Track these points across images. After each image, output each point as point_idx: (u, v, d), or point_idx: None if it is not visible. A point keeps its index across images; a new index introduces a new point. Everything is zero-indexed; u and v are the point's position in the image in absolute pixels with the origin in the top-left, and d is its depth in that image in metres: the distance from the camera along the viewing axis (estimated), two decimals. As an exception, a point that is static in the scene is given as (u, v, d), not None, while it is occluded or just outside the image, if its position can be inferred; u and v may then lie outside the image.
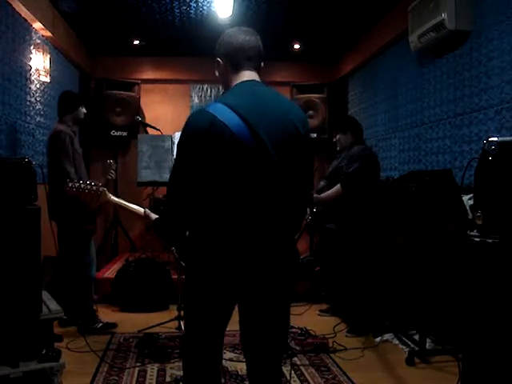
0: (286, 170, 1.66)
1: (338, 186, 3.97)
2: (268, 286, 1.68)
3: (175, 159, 1.71)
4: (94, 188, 1.99)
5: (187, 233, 1.77)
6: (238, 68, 1.76)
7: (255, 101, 1.68)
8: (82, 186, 1.98)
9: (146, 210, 1.95)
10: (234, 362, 3.23)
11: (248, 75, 1.76)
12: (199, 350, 1.76)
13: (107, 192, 2.02)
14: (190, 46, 5.84)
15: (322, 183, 4.25)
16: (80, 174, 3.77)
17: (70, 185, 1.98)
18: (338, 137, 4.23)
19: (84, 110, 3.91)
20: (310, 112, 6.09)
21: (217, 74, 1.84)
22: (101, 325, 3.83)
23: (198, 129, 1.61)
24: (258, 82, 1.76)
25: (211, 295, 1.69)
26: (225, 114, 1.61)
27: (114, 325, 3.91)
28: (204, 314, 1.73)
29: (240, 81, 1.75)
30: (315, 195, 4.09)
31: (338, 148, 4.25)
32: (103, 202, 2.02)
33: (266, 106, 1.68)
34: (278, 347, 1.80)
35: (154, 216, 1.89)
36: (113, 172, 3.96)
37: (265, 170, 1.63)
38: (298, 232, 1.80)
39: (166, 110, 6.51)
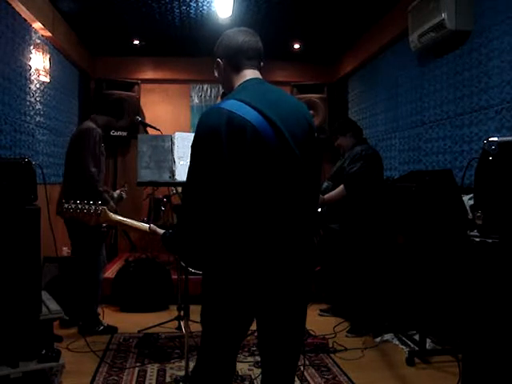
0: (307, 167, 1.62)
1: (342, 186, 3.95)
2: (292, 289, 1.63)
3: (191, 164, 1.59)
4: (93, 207, 1.89)
5: (205, 241, 1.65)
6: (238, 68, 1.74)
7: (267, 97, 1.63)
8: (80, 206, 1.88)
9: (152, 225, 1.84)
10: (234, 362, 3.23)
11: (251, 74, 1.74)
12: (219, 357, 1.69)
13: (107, 211, 1.91)
14: (190, 46, 5.84)
15: (325, 184, 4.24)
16: (101, 176, 3.75)
17: (67, 206, 1.88)
18: (338, 140, 4.21)
19: (116, 124, 3.97)
20: (310, 112, 6.08)
21: (216, 74, 1.83)
22: (102, 328, 3.80)
23: (214, 127, 1.52)
24: (262, 79, 1.75)
25: (236, 302, 1.60)
26: (242, 109, 1.53)
27: (115, 329, 3.86)
28: (227, 323, 1.65)
29: (244, 79, 1.72)
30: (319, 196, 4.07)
31: (341, 151, 4.23)
32: (104, 221, 1.92)
33: (279, 102, 1.64)
34: (296, 352, 1.76)
35: (160, 231, 1.78)
36: (124, 193, 4.03)
37: (290, 169, 1.57)
38: (317, 233, 1.75)
39: (165, 110, 6.52)
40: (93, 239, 3.74)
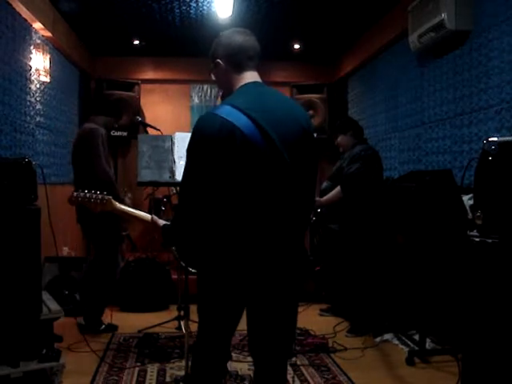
0: (298, 170, 1.67)
1: (338, 188, 3.95)
2: (280, 288, 1.70)
3: (186, 165, 1.69)
4: (100, 197, 2.03)
5: (198, 238, 1.75)
6: (240, 68, 1.76)
7: (262, 102, 1.68)
8: (88, 195, 2.03)
9: (154, 216, 1.94)
10: (234, 362, 3.23)
11: (251, 76, 1.76)
12: (212, 349, 1.79)
13: (113, 201, 2.05)
14: (190, 46, 5.84)
15: (325, 184, 4.23)
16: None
17: (75, 194, 2.02)
18: (338, 139, 4.21)
19: (116, 125, 4.00)
20: (310, 112, 6.07)
21: (213, 77, 1.84)
22: (103, 327, 3.84)
23: (208, 133, 1.60)
24: (261, 83, 1.78)
25: (226, 297, 1.70)
26: (234, 116, 1.60)
27: (116, 327, 3.91)
28: (219, 316, 1.75)
29: (244, 82, 1.75)
30: (316, 198, 4.07)
31: (341, 150, 4.23)
32: (109, 210, 2.05)
33: (274, 107, 1.69)
34: (286, 347, 1.82)
35: (161, 222, 1.89)
36: (129, 200, 4.13)
37: (278, 172, 1.63)
38: (304, 232, 1.82)
39: (166, 110, 6.51)
40: (110, 240, 3.81)
